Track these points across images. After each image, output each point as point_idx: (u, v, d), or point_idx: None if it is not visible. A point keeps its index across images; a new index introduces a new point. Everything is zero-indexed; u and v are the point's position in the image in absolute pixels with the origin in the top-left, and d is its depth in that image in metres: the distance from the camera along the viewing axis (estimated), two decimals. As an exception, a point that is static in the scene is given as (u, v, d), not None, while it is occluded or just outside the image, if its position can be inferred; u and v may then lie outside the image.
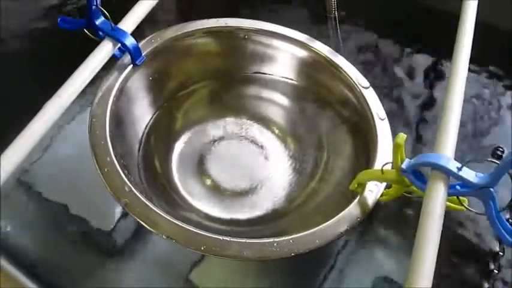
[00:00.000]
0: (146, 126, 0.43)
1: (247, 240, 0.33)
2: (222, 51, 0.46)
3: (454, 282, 0.42)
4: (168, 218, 0.33)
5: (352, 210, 0.36)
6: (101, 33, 0.40)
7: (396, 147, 0.32)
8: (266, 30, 0.45)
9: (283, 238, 0.34)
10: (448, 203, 0.32)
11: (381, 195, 0.37)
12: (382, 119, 0.41)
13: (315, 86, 0.46)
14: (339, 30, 0.55)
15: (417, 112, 0.51)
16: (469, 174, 0.30)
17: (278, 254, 0.33)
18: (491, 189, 0.30)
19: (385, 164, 0.34)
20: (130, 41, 0.40)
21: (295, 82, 0.47)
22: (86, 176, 0.40)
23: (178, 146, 0.45)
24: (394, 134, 0.41)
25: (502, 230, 0.30)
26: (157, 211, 0.33)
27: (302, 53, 0.46)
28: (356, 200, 0.36)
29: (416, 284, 0.26)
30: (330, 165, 0.43)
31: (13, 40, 0.51)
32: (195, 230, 0.33)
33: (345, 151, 0.43)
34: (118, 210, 0.42)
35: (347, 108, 0.44)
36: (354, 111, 0.43)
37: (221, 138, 0.46)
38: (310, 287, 0.43)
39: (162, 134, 0.44)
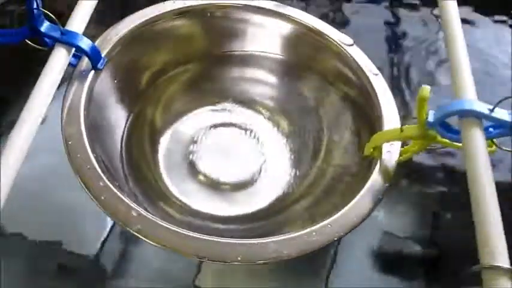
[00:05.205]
0: (124, 130, 0.38)
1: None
2: (193, 33, 0.41)
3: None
4: (189, 234, 0.29)
5: (375, 180, 0.33)
6: (48, 40, 0.34)
7: (420, 101, 0.29)
8: (235, 5, 0.41)
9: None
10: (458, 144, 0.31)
11: (400, 154, 0.35)
12: (376, 74, 0.39)
13: (298, 56, 0.43)
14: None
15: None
16: (503, 114, 0.29)
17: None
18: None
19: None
20: (86, 43, 0.34)
21: (275, 56, 0.43)
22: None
23: (163, 144, 0.40)
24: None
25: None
26: (177, 231, 0.29)
27: (276, 23, 0.42)
28: (377, 168, 0.34)
29: (490, 242, 0.24)
30: (331, 140, 0.40)
31: None
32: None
33: (345, 120, 0.40)
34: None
35: (336, 73, 0.41)
36: (344, 74, 0.40)
37: (208, 128, 0.42)
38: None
39: (143, 133, 0.40)
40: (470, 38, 0.36)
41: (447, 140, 0.32)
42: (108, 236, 0.39)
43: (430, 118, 0.30)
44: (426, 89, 0.29)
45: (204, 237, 0.29)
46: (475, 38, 0.40)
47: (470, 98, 0.30)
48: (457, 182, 0.44)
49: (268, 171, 0.41)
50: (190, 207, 0.38)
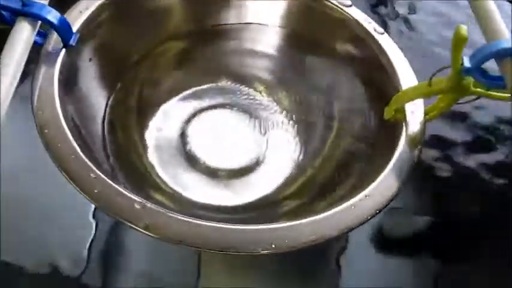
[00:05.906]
0: (104, 114, 0.32)
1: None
2: (180, 4, 0.36)
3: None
4: (214, 225, 0.24)
5: (405, 145, 0.29)
6: (6, 13, 0.28)
7: (457, 41, 0.26)
8: None
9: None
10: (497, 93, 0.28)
11: (425, 114, 0.31)
12: (382, 33, 0.35)
13: (297, 25, 0.38)
14: None
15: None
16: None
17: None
18: None
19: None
20: (54, 15, 0.28)
21: (273, 27, 0.39)
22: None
23: (152, 128, 0.35)
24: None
25: None
26: (200, 223, 0.24)
27: None
28: (403, 131, 0.30)
29: None
30: (343, 113, 0.36)
31: None
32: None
33: (356, 89, 0.36)
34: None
35: (339, 38, 0.37)
36: (348, 38, 0.36)
37: (202, 110, 0.37)
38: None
39: (128, 117, 0.34)
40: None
41: (480, 90, 0.28)
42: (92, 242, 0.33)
43: (469, 63, 0.27)
44: (463, 28, 0.26)
45: (234, 227, 0.24)
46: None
47: (508, 37, 0.27)
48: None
49: (272, 155, 0.36)
50: (187, 197, 0.33)
